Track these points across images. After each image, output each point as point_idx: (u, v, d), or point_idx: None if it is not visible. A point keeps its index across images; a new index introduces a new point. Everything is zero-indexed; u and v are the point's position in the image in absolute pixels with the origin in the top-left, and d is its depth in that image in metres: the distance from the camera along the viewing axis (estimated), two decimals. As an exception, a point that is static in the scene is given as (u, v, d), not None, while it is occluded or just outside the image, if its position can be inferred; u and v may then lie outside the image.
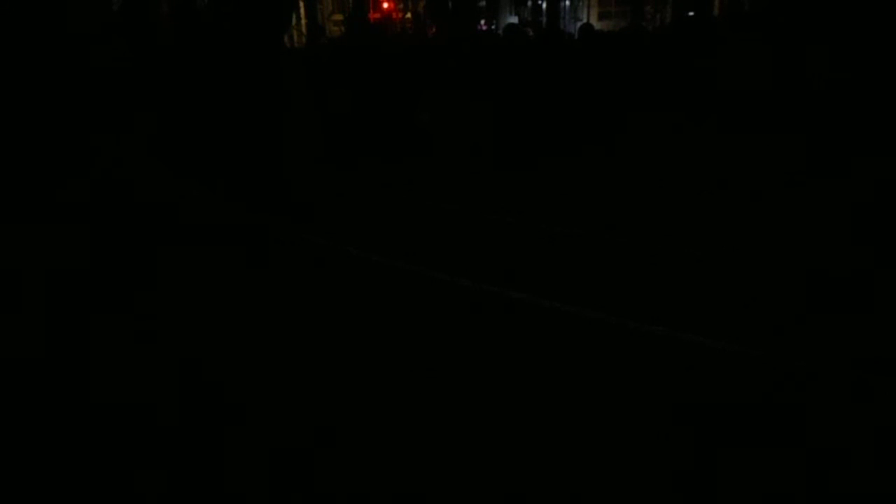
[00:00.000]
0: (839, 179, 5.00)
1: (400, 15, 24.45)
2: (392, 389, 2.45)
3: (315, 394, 2.43)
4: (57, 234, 4.02)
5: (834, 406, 2.30)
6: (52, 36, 4.97)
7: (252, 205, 4.86)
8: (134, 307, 3.19)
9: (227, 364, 2.64)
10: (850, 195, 4.63)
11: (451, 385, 2.47)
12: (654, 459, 2.04)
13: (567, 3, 23.82)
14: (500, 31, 20.53)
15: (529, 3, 28.61)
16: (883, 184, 4.69)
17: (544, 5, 23.99)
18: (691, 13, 11.42)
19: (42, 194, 4.67)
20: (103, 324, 2.99)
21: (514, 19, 25.67)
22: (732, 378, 2.49)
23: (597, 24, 10.48)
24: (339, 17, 19.05)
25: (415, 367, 2.60)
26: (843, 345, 2.68)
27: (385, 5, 22.79)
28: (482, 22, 27.01)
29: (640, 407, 2.31)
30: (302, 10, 19.66)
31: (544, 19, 22.92)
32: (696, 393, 2.39)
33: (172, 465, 2.02)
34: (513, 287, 3.32)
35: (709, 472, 1.99)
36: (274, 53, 6.95)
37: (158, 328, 2.96)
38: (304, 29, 19.44)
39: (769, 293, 3.21)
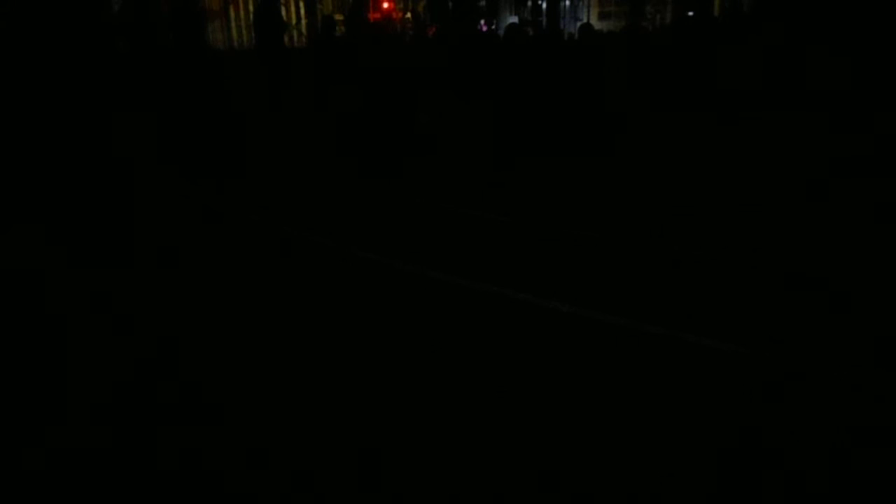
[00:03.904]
0: (840, 179, 4.99)
1: (400, 15, 24.48)
2: (383, 390, 2.44)
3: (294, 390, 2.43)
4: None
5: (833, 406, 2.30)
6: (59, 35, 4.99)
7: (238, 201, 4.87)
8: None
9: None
10: (854, 197, 4.62)
11: (446, 386, 2.47)
12: (654, 461, 2.03)
13: (567, 3, 23.85)
14: (501, 32, 20.53)
15: (529, 3, 28.64)
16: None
17: (544, 5, 24.00)
18: (691, 13, 11.43)
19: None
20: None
21: (514, 19, 25.70)
22: (732, 378, 2.48)
23: (597, 24, 10.49)
24: (339, 17, 19.09)
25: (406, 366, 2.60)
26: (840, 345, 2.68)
27: (385, 5, 22.80)
28: (482, 22, 27.03)
29: (640, 407, 2.30)
30: (302, 11, 19.71)
31: (544, 19, 22.94)
32: (696, 393, 2.39)
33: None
34: (512, 287, 3.31)
35: (709, 474, 1.99)
36: (274, 52, 6.96)
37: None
38: (304, 29, 19.47)
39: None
